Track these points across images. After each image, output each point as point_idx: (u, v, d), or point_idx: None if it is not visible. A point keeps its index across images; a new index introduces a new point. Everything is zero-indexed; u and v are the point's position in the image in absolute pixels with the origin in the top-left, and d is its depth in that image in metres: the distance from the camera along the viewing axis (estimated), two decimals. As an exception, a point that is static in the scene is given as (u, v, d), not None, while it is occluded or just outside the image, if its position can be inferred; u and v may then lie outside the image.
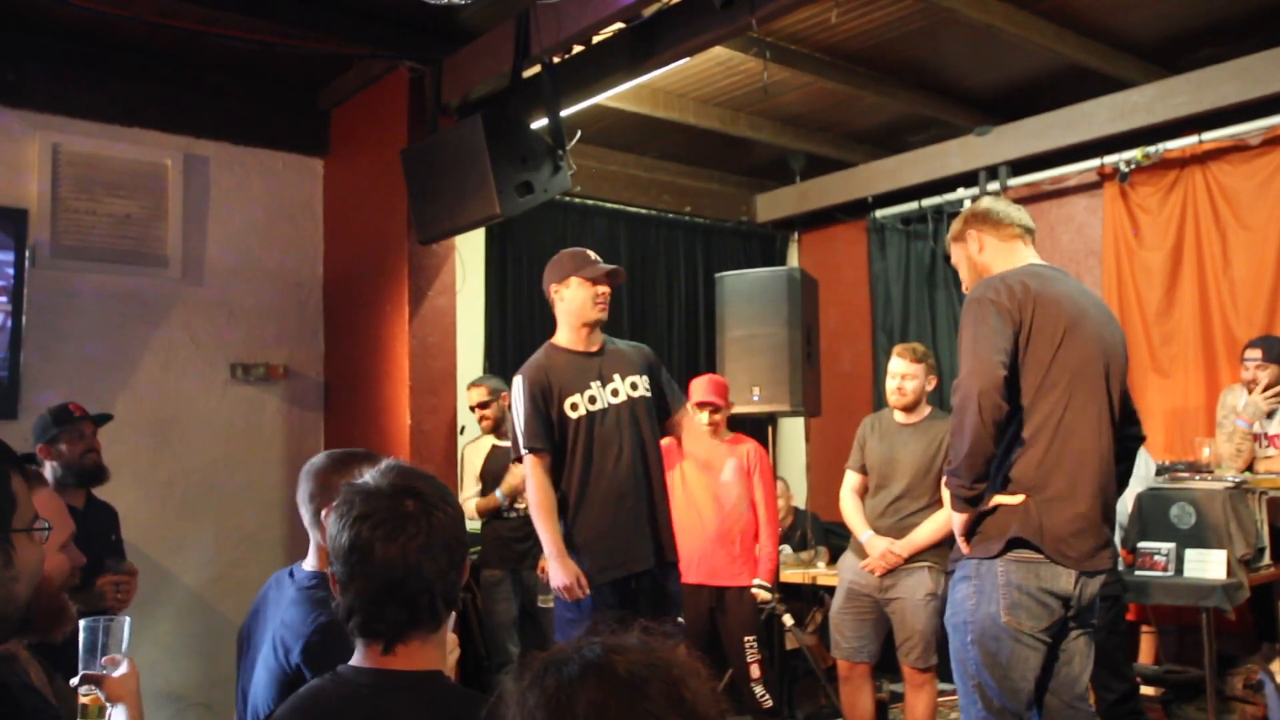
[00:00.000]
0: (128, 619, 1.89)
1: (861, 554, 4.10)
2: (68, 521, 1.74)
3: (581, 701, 0.91)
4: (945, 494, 3.29)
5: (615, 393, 3.36)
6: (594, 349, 3.42)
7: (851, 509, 4.17)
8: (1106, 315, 2.63)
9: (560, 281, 3.40)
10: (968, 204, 4.38)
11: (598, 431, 3.30)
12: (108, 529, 3.74)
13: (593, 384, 3.34)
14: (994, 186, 5.73)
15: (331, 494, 1.90)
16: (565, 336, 3.43)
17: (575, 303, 3.37)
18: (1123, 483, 2.72)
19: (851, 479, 4.22)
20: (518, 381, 3.35)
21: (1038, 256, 2.68)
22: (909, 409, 4.10)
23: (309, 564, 2.11)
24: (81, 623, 1.80)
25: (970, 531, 2.49)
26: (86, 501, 3.64)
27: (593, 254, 3.45)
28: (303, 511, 2.11)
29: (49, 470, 3.53)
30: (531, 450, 3.26)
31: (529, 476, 3.28)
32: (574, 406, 3.30)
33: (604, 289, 3.36)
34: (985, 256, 2.67)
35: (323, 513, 1.97)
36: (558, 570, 3.20)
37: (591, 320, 3.37)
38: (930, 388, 4.13)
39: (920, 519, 4.00)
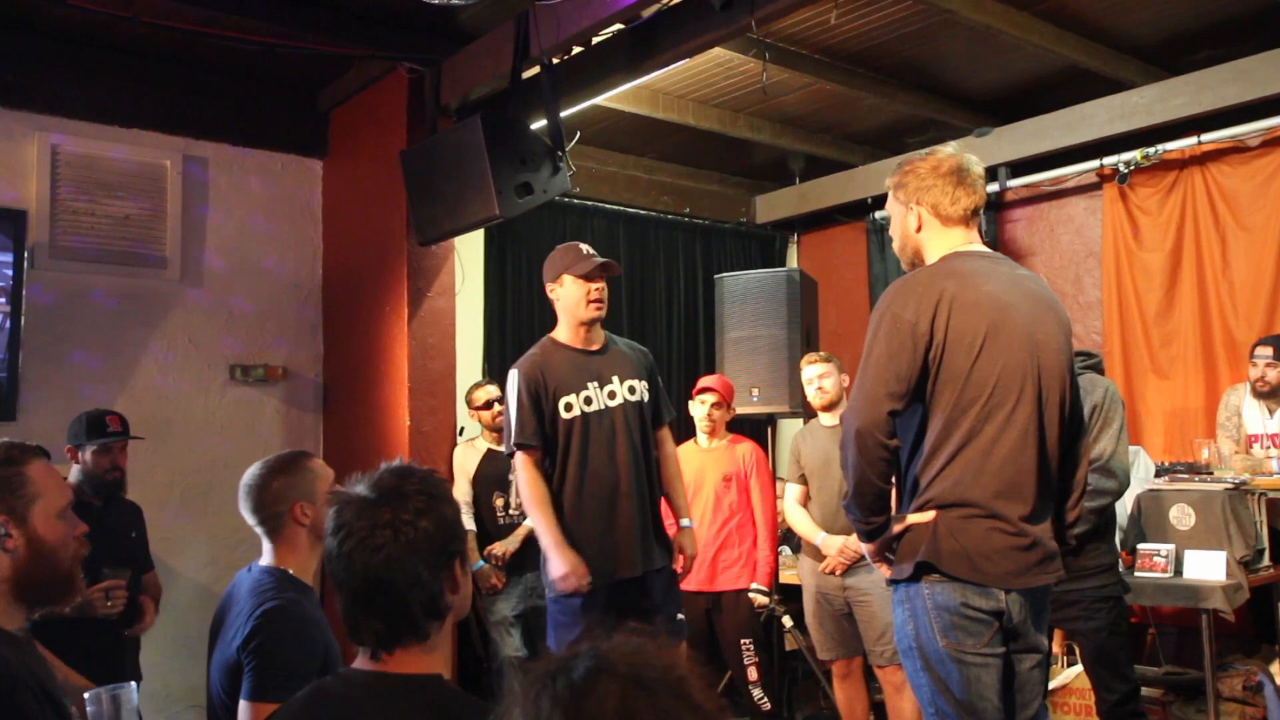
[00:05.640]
0: (133, 684, 1.86)
1: (817, 556, 4.13)
2: (64, 490, 1.74)
3: (597, 703, 0.90)
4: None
5: (612, 395, 3.30)
6: (594, 347, 3.35)
7: (799, 518, 4.23)
8: (1044, 306, 2.39)
9: (554, 280, 3.33)
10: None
11: (592, 434, 3.24)
12: (128, 526, 3.72)
13: (589, 384, 3.27)
14: (994, 188, 5.73)
15: (270, 496, 2.18)
16: (564, 333, 3.36)
17: (569, 301, 3.30)
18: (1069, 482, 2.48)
19: (793, 491, 4.27)
20: (513, 375, 3.29)
21: (977, 237, 2.46)
22: (831, 407, 4.20)
23: (264, 561, 2.23)
24: (86, 696, 1.78)
25: (894, 550, 2.36)
26: (106, 498, 3.61)
27: (585, 247, 3.34)
28: (248, 519, 2.21)
29: (73, 473, 3.51)
30: (522, 447, 3.21)
31: (520, 470, 3.24)
32: (569, 407, 3.24)
33: (597, 285, 3.27)
34: (922, 236, 2.46)
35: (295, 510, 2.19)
36: (557, 561, 3.12)
37: (587, 319, 3.30)
38: (846, 384, 4.23)
39: None
